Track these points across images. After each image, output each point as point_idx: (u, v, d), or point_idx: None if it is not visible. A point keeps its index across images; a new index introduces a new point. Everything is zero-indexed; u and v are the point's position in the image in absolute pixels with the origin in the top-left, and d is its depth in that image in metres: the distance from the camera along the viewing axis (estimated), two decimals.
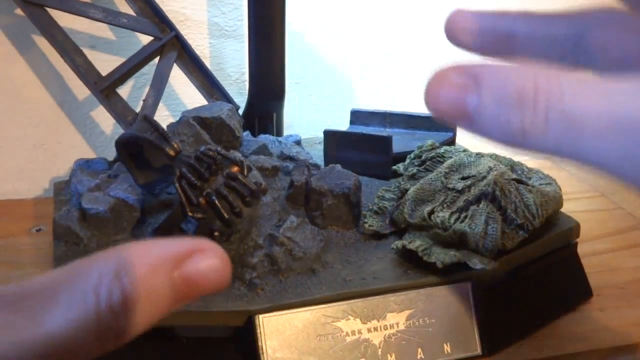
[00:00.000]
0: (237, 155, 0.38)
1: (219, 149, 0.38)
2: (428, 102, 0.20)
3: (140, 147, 0.41)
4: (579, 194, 0.61)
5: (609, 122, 0.18)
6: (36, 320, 0.18)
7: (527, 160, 0.48)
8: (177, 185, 0.35)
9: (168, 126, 0.47)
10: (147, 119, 0.39)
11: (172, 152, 0.37)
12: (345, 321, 0.36)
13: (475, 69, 0.20)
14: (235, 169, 0.37)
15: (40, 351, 0.17)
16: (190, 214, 0.35)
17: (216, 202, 0.35)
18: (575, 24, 0.26)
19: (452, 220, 0.39)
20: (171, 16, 0.57)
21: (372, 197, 0.46)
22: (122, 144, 0.40)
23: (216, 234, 0.35)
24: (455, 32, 0.28)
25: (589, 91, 0.19)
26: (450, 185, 0.42)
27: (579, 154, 0.19)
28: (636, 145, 0.18)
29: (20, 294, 0.18)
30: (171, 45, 0.56)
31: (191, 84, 0.59)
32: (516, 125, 0.20)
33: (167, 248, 0.20)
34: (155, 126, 0.38)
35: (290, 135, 0.57)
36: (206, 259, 0.20)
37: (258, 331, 0.34)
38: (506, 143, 0.21)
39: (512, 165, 0.46)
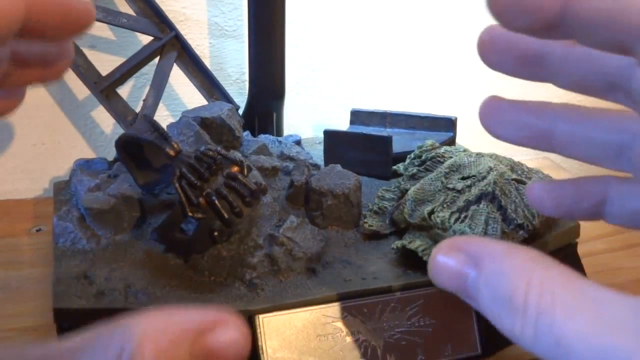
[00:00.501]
0: (237, 155, 0.38)
1: (219, 149, 0.38)
2: (431, 275, 0.22)
3: (140, 147, 0.41)
4: None
5: (597, 354, 0.18)
6: None
7: (527, 160, 0.48)
8: (177, 185, 0.35)
9: (168, 126, 0.47)
10: (147, 119, 0.39)
11: (172, 152, 0.37)
12: (346, 321, 0.36)
13: (476, 249, 0.21)
14: (235, 169, 0.37)
15: None
16: (190, 214, 0.35)
17: (216, 202, 0.35)
18: (620, 130, 0.25)
19: (452, 220, 0.39)
20: (171, 16, 0.57)
21: (372, 197, 0.46)
22: (122, 144, 0.40)
23: (216, 234, 0.35)
24: (491, 125, 0.27)
25: (583, 309, 0.18)
26: (450, 185, 0.42)
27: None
28: None
29: (42, 357, 0.18)
30: (171, 45, 0.56)
31: (191, 84, 0.59)
32: (507, 325, 0.20)
33: (189, 319, 0.19)
34: (155, 126, 0.38)
35: (290, 135, 0.57)
36: (228, 332, 0.20)
37: (258, 331, 0.34)
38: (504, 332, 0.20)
39: (512, 165, 0.46)
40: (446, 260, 0.21)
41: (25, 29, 0.20)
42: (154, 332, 0.19)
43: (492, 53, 0.27)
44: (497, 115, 0.27)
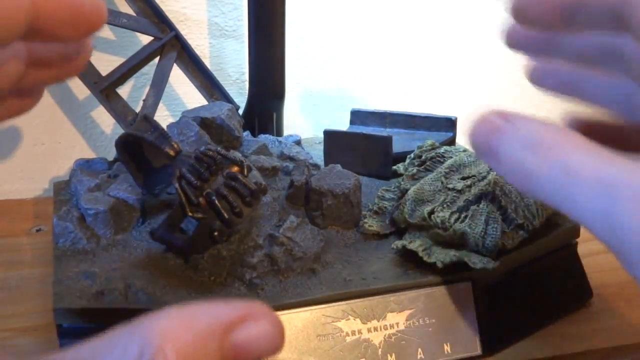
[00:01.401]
0: (237, 155, 0.38)
1: (218, 149, 0.38)
2: (469, 135, 0.24)
3: (140, 147, 0.41)
4: None
5: (598, 185, 0.21)
6: None
7: None
8: (177, 185, 0.35)
9: (168, 126, 0.47)
10: (147, 119, 0.39)
11: (172, 152, 0.37)
12: (345, 321, 0.36)
13: (511, 115, 0.24)
14: (235, 169, 0.37)
15: None
16: (190, 214, 0.35)
17: (216, 202, 0.35)
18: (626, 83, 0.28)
19: (452, 220, 0.39)
20: (171, 16, 0.57)
21: (372, 197, 0.46)
22: (122, 144, 0.40)
23: (216, 234, 0.35)
24: (537, 80, 0.32)
25: (593, 160, 0.21)
26: (450, 185, 0.42)
27: (567, 205, 0.22)
28: (610, 205, 0.20)
29: None
30: (171, 45, 0.56)
31: (191, 84, 0.59)
32: (527, 165, 0.23)
33: (217, 314, 0.18)
34: (155, 126, 0.38)
35: (290, 135, 0.57)
36: (258, 325, 0.19)
37: None
38: (514, 179, 0.23)
39: None
40: (482, 120, 0.24)
41: (35, 31, 0.20)
42: (175, 331, 0.17)
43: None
44: (541, 73, 0.32)
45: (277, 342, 0.19)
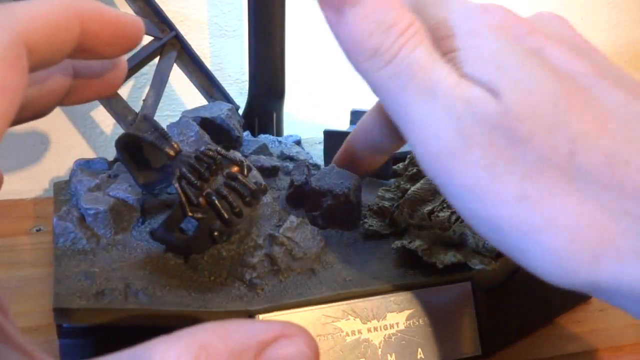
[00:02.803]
0: (237, 155, 0.38)
1: (218, 148, 0.38)
2: None
3: (140, 147, 0.41)
4: None
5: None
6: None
7: None
8: (176, 185, 0.35)
9: (168, 126, 0.47)
10: (147, 119, 0.39)
11: (172, 152, 0.37)
12: (345, 321, 0.36)
13: None
14: (235, 169, 0.37)
15: None
16: (190, 214, 0.35)
17: (216, 202, 0.35)
18: None
19: (452, 220, 0.39)
20: (171, 16, 0.57)
21: (372, 197, 0.46)
22: (122, 144, 0.40)
23: (216, 234, 0.35)
24: None
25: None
26: None
27: (395, 107, 0.24)
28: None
29: None
30: (171, 45, 0.56)
31: (191, 84, 0.59)
32: (371, 44, 0.23)
33: (252, 332, 0.18)
34: (155, 126, 0.38)
35: (290, 135, 0.57)
36: (293, 344, 0.19)
37: None
38: (349, 53, 0.25)
39: None
40: None
41: (81, 49, 0.21)
42: (212, 343, 0.17)
43: None
44: None
45: (310, 358, 0.19)
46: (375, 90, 0.24)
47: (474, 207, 0.23)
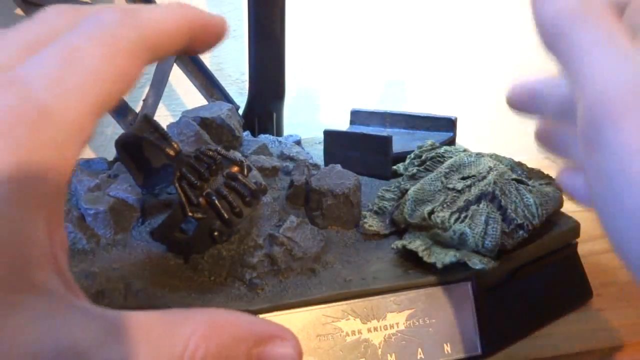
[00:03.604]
0: (237, 155, 0.38)
1: (218, 148, 0.38)
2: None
3: (140, 147, 0.41)
4: None
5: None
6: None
7: (527, 160, 0.48)
8: (176, 185, 0.35)
9: (168, 126, 0.47)
10: (147, 119, 0.39)
11: (172, 152, 0.37)
12: (345, 321, 0.36)
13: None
14: (235, 169, 0.37)
15: None
16: (190, 214, 0.35)
17: (216, 202, 0.35)
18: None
19: (452, 220, 0.39)
20: None
21: (372, 197, 0.46)
22: (122, 144, 0.40)
23: (216, 234, 0.35)
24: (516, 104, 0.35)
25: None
26: (450, 185, 0.42)
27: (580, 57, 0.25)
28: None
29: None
30: None
31: (191, 84, 0.59)
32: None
33: (251, 325, 0.21)
34: (155, 126, 0.38)
35: (290, 135, 0.57)
36: (284, 347, 0.21)
37: None
38: (548, 30, 0.27)
39: (512, 165, 0.46)
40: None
41: (184, 48, 0.25)
42: (221, 326, 0.20)
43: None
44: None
45: None
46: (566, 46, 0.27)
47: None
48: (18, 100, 0.19)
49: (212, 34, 0.26)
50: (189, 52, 0.26)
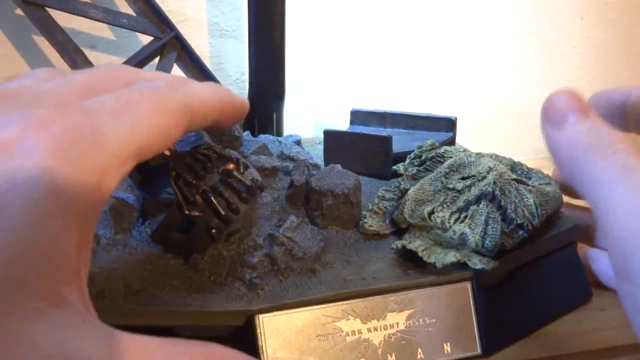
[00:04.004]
0: (232, 152, 0.38)
1: (214, 146, 0.38)
2: (547, 99, 0.29)
3: None
4: None
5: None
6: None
7: (527, 160, 0.48)
8: (173, 184, 0.35)
9: None
10: None
11: (167, 152, 0.37)
12: (345, 321, 0.36)
13: (588, 105, 0.29)
14: (231, 166, 0.37)
15: None
16: (187, 212, 0.35)
17: (212, 198, 0.35)
18: None
19: (452, 220, 0.39)
20: (171, 16, 0.57)
21: (372, 197, 0.46)
22: None
23: (214, 231, 0.35)
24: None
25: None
26: (450, 185, 0.42)
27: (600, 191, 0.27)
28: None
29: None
30: (171, 45, 0.56)
31: None
32: (588, 141, 0.28)
33: (194, 352, 0.21)
34: None
35: (290, 135, 0.57)
36: None
37: (258, 331, 0.34)
38: (565, 159, 0.29)
39: (512, 165, 0.46)
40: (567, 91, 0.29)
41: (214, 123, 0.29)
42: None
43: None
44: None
45: None
46: (583, 173, 0.29)
47: None
48: (79, 122, 0.21)
49: (237, 112, 0.30)
50: (216, 127, 0.30)
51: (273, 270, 0.37)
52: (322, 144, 0.52)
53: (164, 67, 0.56)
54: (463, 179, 0.42)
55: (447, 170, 0.44)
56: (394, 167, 0.49)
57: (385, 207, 0.44)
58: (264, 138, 0.54)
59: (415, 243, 0.39)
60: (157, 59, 0.56)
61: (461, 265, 0.37)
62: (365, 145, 0.50)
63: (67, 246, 0.20)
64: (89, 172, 0.21)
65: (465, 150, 0.47)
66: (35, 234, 0.19)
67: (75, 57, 0.53)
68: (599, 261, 0.44)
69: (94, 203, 0.21)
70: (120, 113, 0.23)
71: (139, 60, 0.55)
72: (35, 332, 0.18)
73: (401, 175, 0.47)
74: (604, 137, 0.27)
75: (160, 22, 0.56)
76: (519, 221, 0.39)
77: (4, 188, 0.19)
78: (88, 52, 0.55)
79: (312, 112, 0.71)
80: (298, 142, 0.56)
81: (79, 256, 0.21)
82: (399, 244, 0.39)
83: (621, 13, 0.78)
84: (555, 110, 0.30)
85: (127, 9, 0.56)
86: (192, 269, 0.37)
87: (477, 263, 0.37)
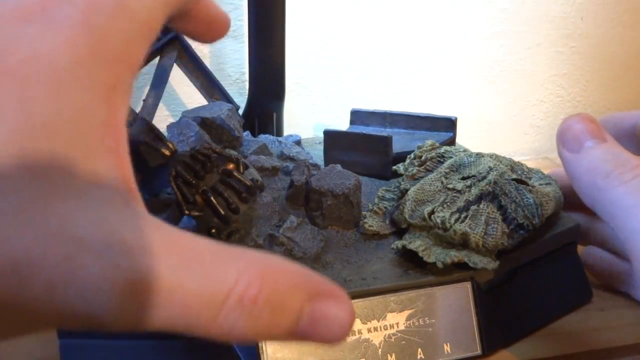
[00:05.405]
0: (232, 152, 0.38)
1: (213, 146, 0.38)
2: (563, 124, 0.30)
3: (137, 149, 0.41)
4: None
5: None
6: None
7: (527, 160, 0.48)
8: (173, 184, 0.35)
9: (168, 126, 0.47)
10: (143, 121, 0.39)
11: (167, 152, 0.37)
12: None
13: (603, 130, 0.30)
14: (230, 166, 0.37)
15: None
16: (187, 212, 0.35)
17: (212, 198, 0.35)
18: None
19: (452, 221, 0.39)
20: None
21: (372, 197, 0.46)
22: None
23: (213, 230, 0.35)
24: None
25: None
26: (450, 186, 0.42)
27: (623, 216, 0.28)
28: None
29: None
30: (171, 45, 0.56)
31: (191, 84, 0.59)
32: (608, 167, 0.28)
33: (309, 278, 0.19)
34: (151, 127, 0.39)
35: (290, 135, 0.57)
36: (339, 309, 0.19)
37: None
38: (586, 175, 0.29)
39: (512, 165, 0.46)
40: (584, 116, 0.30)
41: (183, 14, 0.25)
42: (272, 274, 0.18)
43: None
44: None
45: (346, 330, 0.19)
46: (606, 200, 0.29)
47: None
48: None
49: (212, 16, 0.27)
50: (188, 25, 0.26)
51: None
52: (322, 144, 0.52)
53: (164, 67, 0.56)
54: (463, 179, 0.42)
55: (447, 170, 0.44)
56: (394, 167, 0.49)
57: (385, 207, 0.44)
58: (264, 138, 0.54)
59: (416, 243, 0.39)
60: (157, 59, 0.56)
61: (461, 265, 0.37)
62: (365, 145, 0.50)
63: (95, 118, 0.19)
64: (114, 41, 0.20)
65: (465, 150, 0.47)
66: (60, 105, 0.18)
67: None
68: (600, 260, 0.44)
69: (121, 73, 0.20)
70: None
71: None
72: (63, 212, 0.16)
73: (401, 175, 0.47)
74: (624, 162, 0.28)
75: None
76: (519, 221, 0.39)
77: (26, 56, 0.18)
78: None
79: (312, 112, 0.71)
80: (298, 142, 0.56)
81: (111, 130, 0.19)
82: (399, 244, 0.39)
83: (621, 13, 0.78)
84: (573, 135, 0.30)
85: None
86: None
87: (477, 263, 0.37)
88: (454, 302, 0.38)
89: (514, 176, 0.43)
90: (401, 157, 0.49)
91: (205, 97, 0.58)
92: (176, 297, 0.17)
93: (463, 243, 0.38)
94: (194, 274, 0.17)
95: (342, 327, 0.19)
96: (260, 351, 0.34)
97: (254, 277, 0.18)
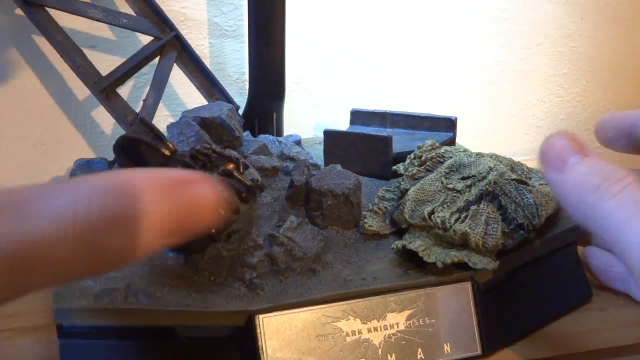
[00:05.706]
0: (232, 152, 0.38)
1: (214, 146, 0.38)
2: (543, 144, 0.30)
3: (138, 149, 0.41)
4: None
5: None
6: (18, 220, 0.19)
7: (527, 160, 0.48)
8: None
9: (168, 126, 0.47)
10: (143, 122, 0.39)
11: (167, 152, 0.37)
12: (345, 321, 0.36)
13: (585, 145, 0.30)
14: (230, 166, 0.37)
15: (18, 248, 0.18)
16: None
17: None
18: None
19: (452, 221, 0.39)
20: (171, 16, 0.57)
21: (372, 197, 0.46)
22: (120, 148, 0.40)
23: (213, 231, 0.35)
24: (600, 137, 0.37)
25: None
26: (450, 186, 0.42)
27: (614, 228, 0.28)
28: None
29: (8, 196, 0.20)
30: (171, 45, 0.56)
31: (191, 84, 0.59)
32: (595, 181, 0.28)
33: (167, 174, 0.22)
34: (151, 127, 0.39)
35: (290, 135, 0.57)
36: (203, 187, 0.23)
37: (258, 331, 0.34)
38: (573, 190, 0.29)
39: (512, 165, 0.46)
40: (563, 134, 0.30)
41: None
42: (133, 181, 0.21)
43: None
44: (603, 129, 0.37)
45: (217, 202, 0.23)
46: (596, 214, 0.29)
47: None
48: None
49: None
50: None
51: (273, 270, 0.37)
52: (322, 144, 0.52)
53: (164, 67, 0.56)
54: (463, 179, 0.42)
55: (447, 170, 0.44)
56: (394, 167, 0.49)
57: (385, 207, 0.44)
58: (264, 138, 0.54)
59: (416, 243, 0.39)
60: (157, 59, 0.56)
61: (461, 265, 0.37)
62: (365, 145, 0.50)
63: None
64: None
65: (465, 150, 0.47)
66: None
67: (75, 57, 0.53)
68: (599, 260, 0.44)
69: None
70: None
71: (139, 60, 0.55)
72: None
73: (401, 175, 0.47)
74: (610, 175, 0.28)
75: (160, 22, 0.56)
76: (519, 221, 0.39)
77: None
78: (88, 52, 0.55)
79: (312, 112, 0.71)
80: (298, 142, 0.56)
81: None
82: (399, 244, 0.39)
83: (621, 12, 0.78)
84: (555, 154, 0.30)
85: (127, 9, 0.56)
86: (192, 269, 0.37)
87: (477, 263, 0.37)
88: (454, 302, 0.38)
89: (514, 176, 0.43)
90: (401, 157, 0.49)
91: (205, 97, 0.58)
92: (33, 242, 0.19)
93: (463, 243, 0.38)
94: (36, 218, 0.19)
95: (210, 196, 0.23)
96: (260, 351, 0.34)
97: (106, 196, 0.20)
